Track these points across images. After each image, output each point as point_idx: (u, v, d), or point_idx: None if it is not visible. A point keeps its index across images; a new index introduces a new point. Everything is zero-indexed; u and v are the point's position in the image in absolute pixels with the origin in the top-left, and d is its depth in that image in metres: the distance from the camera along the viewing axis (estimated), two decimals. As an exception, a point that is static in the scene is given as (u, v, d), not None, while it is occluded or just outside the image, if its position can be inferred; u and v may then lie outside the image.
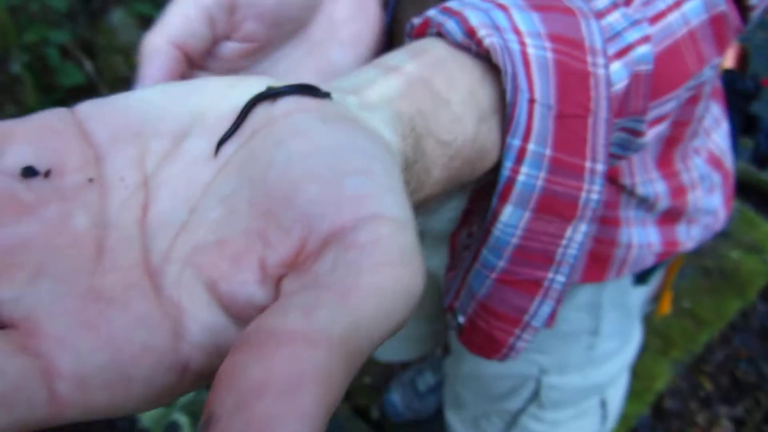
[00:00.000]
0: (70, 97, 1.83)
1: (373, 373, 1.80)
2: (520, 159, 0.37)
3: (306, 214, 0.25)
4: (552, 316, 0.72)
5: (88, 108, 0.29)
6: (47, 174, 0.26)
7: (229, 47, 0.45)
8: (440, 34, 0.39)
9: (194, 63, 0.43)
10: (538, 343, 0.81)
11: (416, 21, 0.41)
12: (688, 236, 0.72)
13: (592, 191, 0.39)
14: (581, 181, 0.38)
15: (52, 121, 0.28)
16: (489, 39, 0.37)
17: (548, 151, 0.37)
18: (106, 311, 0.23)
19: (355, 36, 0.49)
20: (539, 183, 0.38)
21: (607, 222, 0.68)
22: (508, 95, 0.37)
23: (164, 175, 0.28)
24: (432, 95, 0.36)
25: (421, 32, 0.41)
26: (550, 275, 0.41)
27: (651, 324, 1.61)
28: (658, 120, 0.43)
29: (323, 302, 0.21)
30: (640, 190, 0.67)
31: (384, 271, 0.22)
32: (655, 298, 0.86)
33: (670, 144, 0.66)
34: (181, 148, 0.29)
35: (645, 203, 0.68)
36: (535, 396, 0.85)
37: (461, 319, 0.47)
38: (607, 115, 0.38)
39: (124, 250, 0.26)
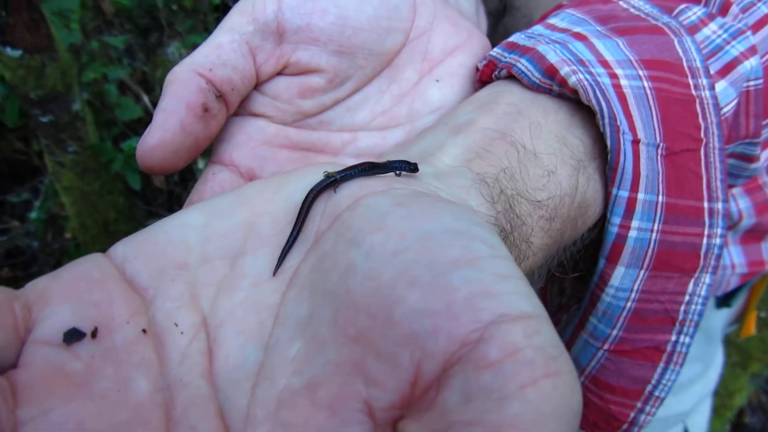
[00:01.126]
0: (128, 129, 1.87)
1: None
2: (629, 212, 0.33)
3: (412, 332, 0.20)
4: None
5: (123, 248, 0.26)
6: (94, 334, 0.22)
7: (284, 84, 0.38)
8: (511, 76, 0.35)
9: (229, 99, 0.35)
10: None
11: (480, 64, 0.37)
12: None
13: (714, 235, 0.34)
14: (701, 225, 0.34)
15: (87, 270, 0.25)
16: (575, 77, 0.32)
17: (661, 198, 0.32)
18: None
19: (456, 68, 0.40)
20: (654, 236, 0.33)
21: None
22: (609, 140, 0.32)
23: (224, 308, 0.24)
24: (515, 148, 0.31)
25: (487, 76, 0.37)
26: (673, 338, 0.36)
27: (728, 337, 1.54)
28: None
29: None
30: None
31: (533, 393, 0.18)
32: (738, 319, 0.82)
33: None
34: (237, 270, 0.26)
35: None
36: None
37: None
38: (720, 143, 0.33)
39: (197, 416, 0.21)
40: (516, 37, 0.36)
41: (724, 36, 0.36)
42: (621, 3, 0.38)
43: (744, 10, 0.37)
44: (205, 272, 0.25)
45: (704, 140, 0.33)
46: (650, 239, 0.33)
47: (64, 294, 0.23)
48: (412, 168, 0.28)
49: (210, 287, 0.25)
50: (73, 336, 0.21)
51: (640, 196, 0.33)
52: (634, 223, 0.33)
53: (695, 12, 0.37)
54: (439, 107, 0.39)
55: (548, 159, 0.32)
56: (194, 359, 0.22)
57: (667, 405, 0.80)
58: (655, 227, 0.33)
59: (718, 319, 0.78)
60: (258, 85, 0.38)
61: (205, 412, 0.21)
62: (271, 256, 0.25)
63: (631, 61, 0.33)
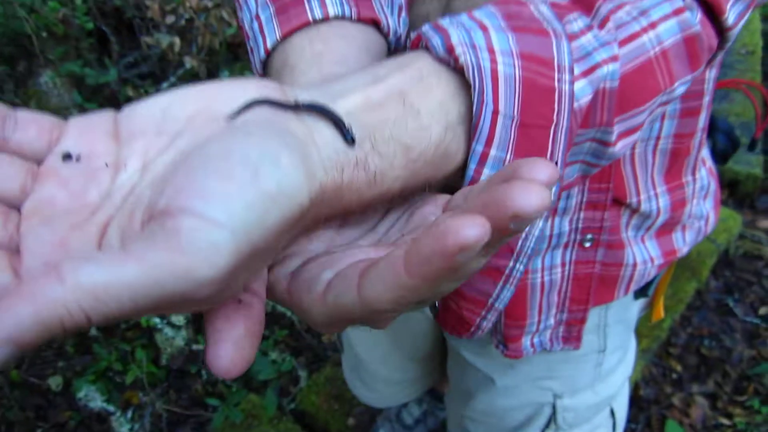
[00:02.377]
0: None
1: (357, 414, 1.79)
2: (482, 162, 0.41)
3: (163, 192, 0.30)
4: (578, 337, 0.74)
5: (127, 110, 0.37)
6: (78, 158, 0.35)
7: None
8: (428, 48, 0.43)
9: (255, 288, 0.38)
10: (550, 369, 0.83)
11: (413, 35, 0.45)
12: (684, 242, 0.76)
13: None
14: None
15: (96, 120, 0.37)
16: (463, 57, 0.40)
17: (509, 156, 0.41)
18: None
19: None
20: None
21: (612, 246, 0.71)
22: (474, 108, 0.41)
23: (156, 164, 0.35)
24: (404, 106, 0.40)
25: (415, 44, 0.45)
26: (510, 264, 0.46)
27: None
28: (628, 132, 0.46)
29: (101, 259, 0.26)
30: (644, 206, 0.69)
31: (163, 253, 0.26)
32: (648, 305, 0.90)
33: (676, 156, 0.69)
34: (174, 143, 0.35)
35: (645, 219, 0.71)
36: (551, 421, 0.88)
37: (436, 303, 0.51)
38: (568, 125, 0.42)
39: (104, 211, 0.34)
40: (442, 20, 0.44)
41: (595, 44, 0.44)
42: (531, 6, 0.45)
43: (618, 26, 0.45)
44: (156, 141, 0.36)
45: (555, 121, 0.41)
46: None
47: (75, 132, 0.36)
48: (347, 139, 0.37)
49: (155, 150, 0.35)
50: (67, 156, 0.35)
51: (492, 152, 0.41)
52: (485, 171, 0.41)
53: (579, 23, 0.45)
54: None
55: (426, 118, 0.40)
56: (124, 187, 0.34)
57: (597, 391, 0.87)
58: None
59: (636, 309, 0.85)
60: None
61: (107, 211, 0.33)
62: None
63: (512, 53, 0.41)
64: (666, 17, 0.46)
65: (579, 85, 0.42)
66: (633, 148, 0.67)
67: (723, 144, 0.89)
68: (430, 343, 1.09)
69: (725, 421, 1.80)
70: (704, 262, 2.10)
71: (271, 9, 0.55)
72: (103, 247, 0.32)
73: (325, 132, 0.37)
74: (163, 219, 0.28)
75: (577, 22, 0.45)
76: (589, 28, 0.45)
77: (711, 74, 0.67)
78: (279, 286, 0.37)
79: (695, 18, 0.47)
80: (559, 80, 0.42)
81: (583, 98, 0.42)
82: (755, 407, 1.82)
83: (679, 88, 0.48)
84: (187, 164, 0.31)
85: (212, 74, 2.21)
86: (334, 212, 0.38)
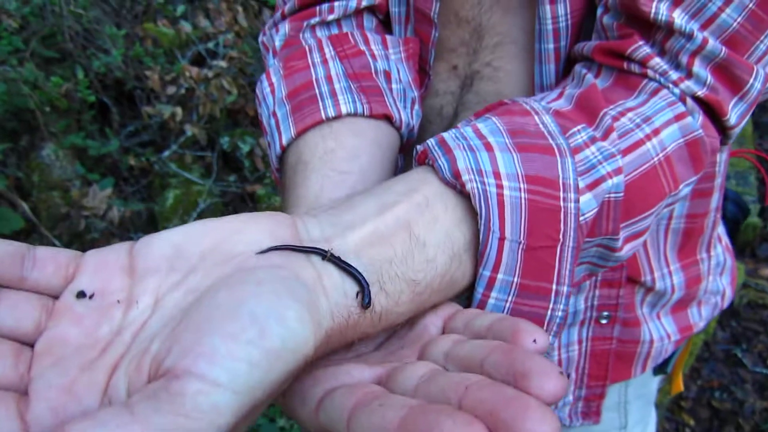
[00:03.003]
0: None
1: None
2: (490, 286, 0.42)
3: (170, 349, 0.30)
4: (597, 412, 0.74)
5: (141, 244, 0.37)
6: (92, 296, 0.36)
7: None
8: (434, 167, 0.44)
9: None
10: (572, 447, 0.83)
11: (419, 148, 0.46)
12: (700, 317, 0.76)
13: (557, 309, 0.43)
14: (547, 301, 0.43)
15: (111, 256, 0.37)
16: (470, 184, 0.41)
17: (516, 279, 0.42)
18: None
19: None
20: (507, 305, 0.43)
21: (628, 324, 0.71)
22: (482, 236, 0.41)
23: (167, 300, 0.35)
24: (410, 239, 0.40)
25: (422, 159, 0.45)
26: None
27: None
28: (634, 236, 0.47)
29: (106, 421, 0.27)
30: (658, 285, 0.70)
31: (167, 417, 0.27)
32: (667, 378, 0.89)
33: (689, 235, 0.70)
34: (186, 281, 0.36)
35: (661, 297, 0.71)
36: None
37: None
38: (574, 243, 0.43)
39: (114, 350, 0.34)
40: (446, 135, 0.45)
41: (599, 157, 0.45)
42: (535, 117, 0.46)
43: (621, 135, 0.47)
44: (170, 277, 0.36)
45: (561, 240, 0.42)
46: (504, 307, 0.43)
47: (90, 268, 0.37)
48: (365, 303, 0.37)
49: (168, 286, 0.36)
50: (81, 294, 0.36)
51: (499, 276, 0.42)
52: (493, 294, 0.42)
53: (583, 135, 0.46)
54: None
55: (432, 249, 0.41)
56: (135, 324, 0.35)
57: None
58: (509, 299, 0.42)
59: (655, 384, 0.85)
60: None
61: (117, 349, 0.34)
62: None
63: (518, 176, 0.42)
64: (668, 123, 0.48)
65: (584, 199, 0.43)
66: None
67: (732, 212, 0.90)
68: None
69: (742, 476, 1.78)
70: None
71: (288, 107, 0.57)
72: (109, 394, 0.32)
73: (335, 275, 0.37)
74: (168, 380, 0.28)
75: (581, 134, 0.46)
76: (593, 140, 0.46)
77: (722, 156, 0.68)
78: None
79: (697, 122, 0.48)
80: (564, 199, 0.43)
81: (589, 212, 0.43)
82: (772, 461, 1.80)
83: (684, 190, 0.49)
84: (196, 318, 0.31)
85: (213, 140, 2.23)
86: (335, 349, 0.38)
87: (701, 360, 2.10)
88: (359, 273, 0.37)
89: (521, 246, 0.42)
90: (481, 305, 0.42)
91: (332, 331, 0.35)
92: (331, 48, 0.62)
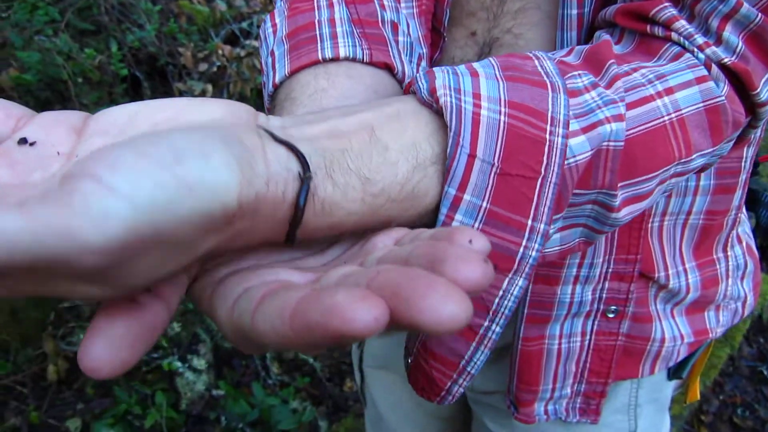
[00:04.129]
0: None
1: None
2: (455, 206, 0.39)
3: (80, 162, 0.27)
4: (597, 411, 0.71)
5: (99, 113, 0.36)
6: (32, 144, 0.34)
7: None
8: (414, 92, 0.42)
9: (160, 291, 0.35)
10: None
11: (406, 81, 0.44)
12: (718, 322, 0.73)
13: (531, 248, 0.39)
14: (521, 237, 0.39)
15: (66, 116, 0.36)
16: (444, 98, 0.39)
17: (485, 204, 0.39)
18: None
19: None
20: None
21: (638, 319, 0.68)
22: (449, 149, 0.38)
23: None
24: (371, 139, 0.38)
25: (407, 90, 0.44)
26: (486, 323, 0.42)
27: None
28: (635, 199, 0.44)
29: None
30: (672, 282, 0.67)
31: (52, 208, 0.24)
32: (683, 384, 0.86)
33: (707, 232, 0.67)
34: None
35: (674, 296, 0.68)
36: None
37: (409, 360, 0.47)
38: (557, 180, 0.39)
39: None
40: (436, 68, 0.43)
41: (599, 102, 0.42)
42: (535, 61, 0.44)
43: (629, 89, 0.44)
44: (114, 139, 0.34)
45: (542, 174, 0.39)
46: None
47: (42, 123, 0.35)
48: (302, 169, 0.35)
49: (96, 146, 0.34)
50: (22, 141, 0.34)
51: (466, 197, 0.38)
52: (458, 217, 0.39)
53: (584, 80, 0.44)
54: None
55: (395, 154, 0.38)
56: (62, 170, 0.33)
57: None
58: (476, 225, 0.39)
59: (669, 390, 0.82)
60: None
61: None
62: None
63: (500, 100, 0.40)
64: (686, 84, 0.45)
65: (576, 140, 0.40)
66: (662, 221, 0.65)
67: (767, 219, 0.86)
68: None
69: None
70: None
71: (286, 46, 0.56)
72: None
73: (281, 151, 0.34)
74: (65, 181, 0.26)
75: (581, 78, 0.44)
76: (594, 85, 0.43)
77: (749, 152, 0.65)
78: (204, 295, 0.34)
79: (720, 89, 0.45)
80: (551, 133, 0.40)
81: (581, 155, 0.40)
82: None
83: (697, 160, 0.46)
84: (117, 143, 0.29)
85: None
86: (270, 232, 0.34)
87: (725, 375, 2.04)
88: (296, 147, 0.35)
89: (494, 169, 0.38)
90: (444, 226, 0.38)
91: (264, 199, 0.32)
92: None
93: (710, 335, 0.73)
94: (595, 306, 0.66)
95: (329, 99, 0.50)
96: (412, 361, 0.47)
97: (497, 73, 0.41)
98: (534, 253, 0.40)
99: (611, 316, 0.66)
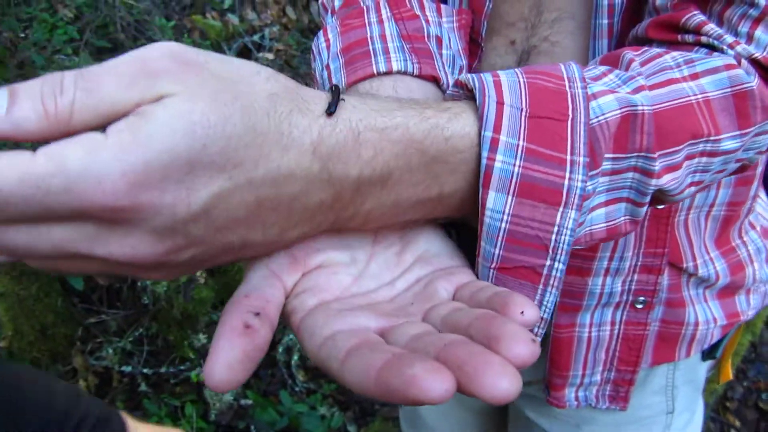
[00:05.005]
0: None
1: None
2: (493, 148, 0.40)
3: None
4: (626, 398, 0.73)
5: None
6: None
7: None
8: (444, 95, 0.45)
9: (267, 313, 0.39)
10: (617, 431, 0.82)
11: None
12: (748, 305, 0.75)
13: (576, 180, 0.41)
14: (563, 170, 0.40)
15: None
16: (465, 78, 0.43)
17: (522, 143, 0.40)
18: None
19: None
20: (516, 170, 0.40)
21: (672, 304, 0.70)
22: (478, 101, 0.41)
23: None
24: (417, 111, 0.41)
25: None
26: (548, 262, 0.42)
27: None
28: (671, 168, 0.45)
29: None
30: (701, 271, 0.69)
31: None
32: (715, 365, 0.88)
33: (727, 223, 0.69)
34: None
35: (705, 282, 0.70)
36: None
37: None
38: (585, 120, 0.41)
39: None
40: (462, 75, 0.45)
41: (618, 81, 0.44)
42: (564, 64, 0.45)
43: (654, 72, 0.46)
44: None
45: (571, 116, 0.41)
46: (513, 171, 0.40)
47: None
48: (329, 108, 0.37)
49: None
50: None
51: (502, 137, 0.40)
52: (498, 156, 0.40)
53: (600, 68, 0.46)
54: None
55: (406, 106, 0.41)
56: None
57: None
58: (517, 162, 0.40)
59: (703, 371, 0.84)
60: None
61: None
62: None
63: (516, 72, 0.43)
64: (714, 70, 0.47)
65: (605, 99, 0.42)
66: (687, 214, 0.67)
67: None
68: None
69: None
70: (759, 313, 2.05)
71: (341, 60, 0.59)
72: None
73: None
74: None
75: (598, 68, 0.46)
76: (611, 70, 0.46)
77: None
78: (293, 319, 0.39)
79: (751, 77, 0.47)
80: (570, 87, 0.42)
81: (610, 113, 0.42)
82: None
83: (727, 142, 0.47)
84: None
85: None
86: (343, 202, 0.39)
87: (747, 361, 2.05)
88: (338, 86, 0.39)
89: (523, 112, 0.41)
90: (488, 170, 0.40)
91: (319, 138, 0.36)
92: (387, 9, 0.63)
93: (742, 317, 0.75)
94: (624, 297, 0.68)
95: None
96: None
97: (517, 71, 0.44)
98: (579, 184, 0.41)
99: (639, 306, 0.68)
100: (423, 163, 0.40)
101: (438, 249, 0.46)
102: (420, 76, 0.57)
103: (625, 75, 0.45)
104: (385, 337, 0.37)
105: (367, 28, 0.61)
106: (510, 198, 0.40)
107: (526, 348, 0.31)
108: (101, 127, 0.31)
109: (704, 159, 0.47)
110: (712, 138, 0.46)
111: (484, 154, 0.40)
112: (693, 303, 0.71)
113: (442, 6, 0.66)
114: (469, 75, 0.43)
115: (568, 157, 0.41)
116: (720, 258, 0.71)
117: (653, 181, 0.44)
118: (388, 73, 0.56)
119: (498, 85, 0.41)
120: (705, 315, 0.72)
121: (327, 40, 0.63)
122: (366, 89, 0.56)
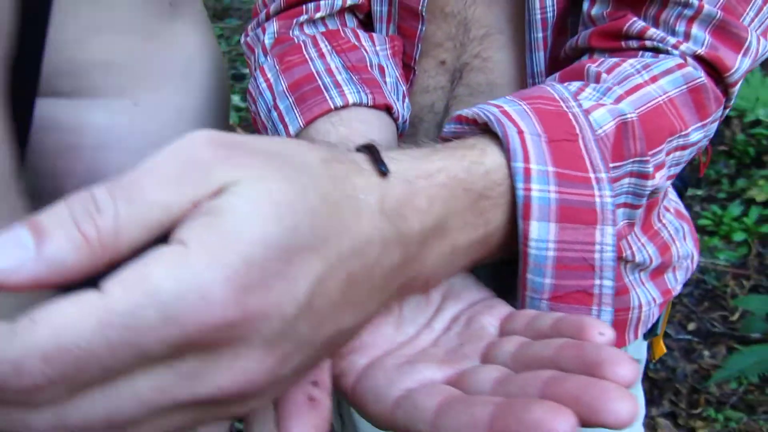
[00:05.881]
0: None
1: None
2: (527, 177, 0.41)
3: None
4: None
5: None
6: None
7: None
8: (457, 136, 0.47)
9: (322, 383, 0.37)
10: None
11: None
12: (676, 281, 0.84)
13: (604, 196, 0.43)
14: (591, 189, 0.42)
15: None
16: (468, 112, 0.45)
17: (551, 168, 0.42)
18: None
19: None
20: (552, 196, 0.41)
21: (619, 293, 0.77)
22: (499, 133, 0.42)
23: None
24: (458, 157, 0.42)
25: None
26: (597, 282, 0.44)
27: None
28: (659, 167, 0.49)
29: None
30: (638, 257, 0.78)
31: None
32: (650, 345, 0.97)
33: (649, 210, 0.77)
34: None
35: (641, 266, 0.79)
36: None
37: None
38: (593, 136, 0.44)
39: None
40: (464, 110, 0.46)
41: (598, 94, 0.48)
42: (547, 86, 0.49)
43: (622, 80, 0.50)
44: None
45: (580, 134, 0.43)
46: (550, 198, 0.41)
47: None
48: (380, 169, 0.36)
49: None
50: None
51: (533, 166, 0.41)
52: (534, 186, 0.41)
53: (574, 85, 0.49)
54: None
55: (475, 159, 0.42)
56: None
57: (615, 434, 0.93)
58: (552, 188, 0.41)
59: (644, 350, 0.93)
60: None
61: None
62: None
63: (517, 100, 0.45)
64: (669, 71, 0.51)
65: (598, 113, 0.45)
66: None
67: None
68: None
69: (690, 436, 1.93)
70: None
71: (290, 99, 0.59)
72: None
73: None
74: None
75: (572, 85, 0.50)
76: (585, 85, 0.49)
77: None
78: (343, 382, 0.38)
79: (699, 72, 0.52)
80: (567, 107, 0.45)
81: (606, 125, 0.45)
82: (712, 416, 1.96)
83: (694, 134, 0.52)
84: None
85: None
86: (410, 260, 0.36)
87: (630, 337, 2.24)
88: (372, 144, 0.38)
89: (542, 138, 0.42)
90: (527, 200, 0.41)
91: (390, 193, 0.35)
92: (326, 43, 0.64)
93: (673, 293, 0.83)
94: None
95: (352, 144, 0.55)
96: None
97: (516, 98, 0.46)
98: (609, 200, 0.42)
99: None
100: (471, 201, 0.40)
101: (461, 282, 0.45)
102: (374, 106, 0.58)
103: (601, 87, 0.48)
104: (460, 388, 0.36)
105: (310, 63, 0.61)
106: (553, 225, 0.41)
107: (630, 367, 0.31)
108: (154, 241, 0.26)
109: (678, 153, 0.51)
110: (683, 133, 0.50)
111: (519, 185, 0.41)
112: (634, 287, 0.79)
113: (374, 35, 0.68)
114: (472, 109, 0.44)
115: (592, 175, 0.42)
116: (649, 242, 0.79)
117: (649, 183, 0.47)
118: (345, 106, 0.57)
119: (508, 115, 0.43)
120: (645, 296, 0.79)
121: (267, 80, 0.62)
122: (326, 127, 0.56)
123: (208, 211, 0.26)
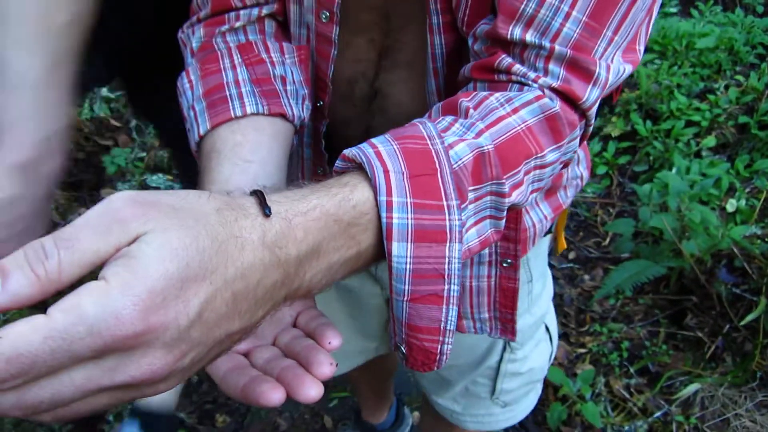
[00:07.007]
0: None
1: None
2: (389, 208, 0.50)
3: None
4: (513, 332, 0.93)
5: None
6: None
7: None
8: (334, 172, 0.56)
9: None
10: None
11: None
12: (567, 197, 0.95)
13: (454, 219, 0.51)
14: (443, 214, 0.51)
15: None
16: (349, 152, 0.53)
17: (409, 199, 0.50)
18: None
19: None
20: (409, 222, 0.50)
21: (513, 219, 0.84)
22: (368, 172, 0.51)
23: None
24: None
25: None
26: (446, 287, 0.52)
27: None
28: (516, 185, 0.57)
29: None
30: None
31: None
32: (553, 240, 1.08)
33: None
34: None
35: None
36: (506, 344, 1.06)
37: (403, 349, 0.56)
38: (450, 170, 0.52)
39: None
40: (348, 150, 0.54)
41: (463, 129, 0.55)
42: (419, 124, 0.57)
43: (486, 113, 0.57)
44: None
45: (439, 169, 0.51)
46: (407, 223, 0.50)
47: None
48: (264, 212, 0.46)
49: None
50: None
51: (394, 199, 0.50)
52: (395, 214, 0.50)
53: (447, 119, 0.57)
54: None
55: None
56: None
57: (533, 313, 1.06)
58: (409, 216, 0.50)
59: (546, 244, 1.04)
60: None
61: None
62: None
63: (389, 139, 0.53)
64: (528, 102, 0.59)
65: (459, 147, 0.53)
66: None
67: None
68: (374, 323, 1.18)
69: (582, 350, 2.13)
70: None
71: (204, 103, 0.72)
72: None
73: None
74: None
75: (445, 119, 0.58)
76: (455, 120, 0.57)
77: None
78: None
79: (554, 104, 0.60)
80: (432, 144, 0.53)
81: (465, 157, 0.53)
82: (598, 330, 2.17)
83: (550, 155, 0.60)
84: None
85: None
86: (291, 277, 0.47)
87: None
88: (260, 191, 0.48)
89: (405, 175, 0.50)
90: (389, 226, 0.50)
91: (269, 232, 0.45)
92: (238, 55, 0.75)
93: (563, 206, 0.94)
94: (494, 257, 0.85)
95: (245, 151, 0.66)
96: (406, 348, 0.56)
97: (389, 137, 0.54)
98: (458, 222, 0.51)
99: (506, 266, 0.85)
100: (341, 229, 0.49)
101: None
102: (270, 114, 0.70)
103: (467, 122, 0.56)
104: (249, 358, 0.55)
105: (223, 73, 0.73)
106: (409, 244, 0.50)
107: (326, 369, 0.50)
108: (87, 276, 0.36)
109: (537, 171, 0.60)
110: (539, 155, 0.59)
111: (383, 214, 0.50)
112: (527, 211, 0.89)
113: (284, 45, 0.78)
114: (353, 150, 0.53)
115: (445, 203, 0.51)
116: None
117: (506, 200, 0.56)
118: (244, 115, 0.69)
119: (379, 156, 0.51)
120: (538, 215, 0.90)
121: (190, 81, 0.74)
122: (226, 133, 0.68)
123: (125, 255, 0.37)
